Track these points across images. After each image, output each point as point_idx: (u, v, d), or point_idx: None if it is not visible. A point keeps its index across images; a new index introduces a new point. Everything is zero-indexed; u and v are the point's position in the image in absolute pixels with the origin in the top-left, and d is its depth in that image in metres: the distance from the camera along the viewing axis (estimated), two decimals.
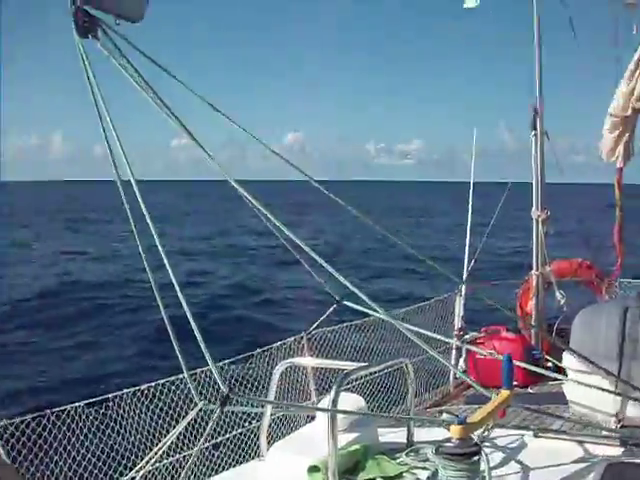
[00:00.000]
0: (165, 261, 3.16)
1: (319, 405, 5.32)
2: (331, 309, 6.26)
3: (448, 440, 4.01)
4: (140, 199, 3.20)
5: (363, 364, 5.89)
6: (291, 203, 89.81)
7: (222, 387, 3.14)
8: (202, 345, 3.15)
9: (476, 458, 3.93)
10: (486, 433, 5.14)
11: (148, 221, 3.21)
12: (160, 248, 3.16)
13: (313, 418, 6.96)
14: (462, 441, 3.91)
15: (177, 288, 3.18)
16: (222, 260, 39.19)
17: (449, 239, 43.22)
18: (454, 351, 10.41)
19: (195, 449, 4.99)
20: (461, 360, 10.30)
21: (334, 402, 4.34)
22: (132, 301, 25.10)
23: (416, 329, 5.07)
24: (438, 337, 5.64)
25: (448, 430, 4.14)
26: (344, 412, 4.72)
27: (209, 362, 3.14)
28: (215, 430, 6.53)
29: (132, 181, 3.21)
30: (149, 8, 3.40)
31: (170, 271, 3.15)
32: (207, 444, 5.12)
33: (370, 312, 5.16)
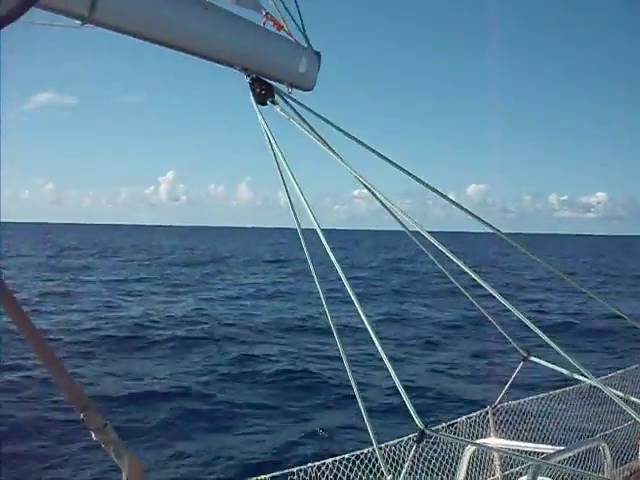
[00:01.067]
0: (362, 317, 3.08)
1: None
2: (519, 367, 5.87)
3: None
4: (327, 246, 3.20)
5: (557, 448, 5.42)
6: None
7: (418, 423, 3.05)
8: (395, 378, 3.02)
9: None
10: None
11: (337, 267, 3.20)
12: (353, 295, 3.11)
13: None
14: None
15: (377, 344, 3.06)
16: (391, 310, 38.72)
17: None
18: None
19: None
20: None
21: None
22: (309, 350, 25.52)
23: (624, 395, 4.55)
24: None
25: None
26: None
27: (403, 396, 3.03)
28: None
29: (317, 230, 3.22)
30: (320, 76, 3.49)
31: (369, 327, 3.05)
32: None
33: (561, 370, 4.78)
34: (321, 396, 19.39)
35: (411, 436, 5.43)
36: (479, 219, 3.94)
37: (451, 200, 3.91)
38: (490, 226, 4.01)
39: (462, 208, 3.92)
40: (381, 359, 3.11)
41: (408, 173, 3.74)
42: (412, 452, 3.26)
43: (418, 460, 6.51)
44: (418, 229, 3.65)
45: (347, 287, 3.17)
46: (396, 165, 3.69)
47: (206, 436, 15.80)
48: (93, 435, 2.25)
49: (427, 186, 3.83)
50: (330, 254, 3.22)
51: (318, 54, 3.45)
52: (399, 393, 3.04)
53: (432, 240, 3.58)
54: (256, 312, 35.89)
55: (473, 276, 3.68)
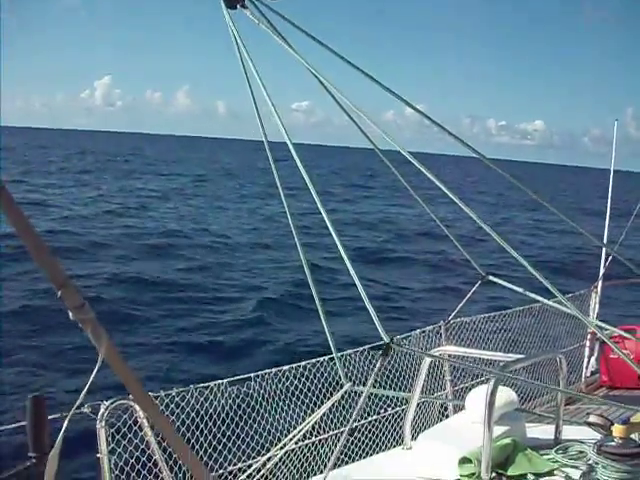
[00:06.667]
0: (331, 230, 3.09)
1: (471, 394, 5.09)
2: (476, 286, 5.99)
3: (595, 439, 3.95)
4: (297, 159, 3.20)
5: (518, 356, 5.61)
6: None
7: (384, 337, 3.04)
8: (362, 292, 3.07)
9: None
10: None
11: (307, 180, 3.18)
12: (324, 212, 3.13)
13: (446, 409, 6.69)
14: (625, 441, 3.79)
15: (345, 259, 3.08)
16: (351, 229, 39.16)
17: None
18: (587, 349, 10.15)
19: (346, 428, 4.89)
20: (593, 359, 10.07)
21: (492, 393, 4.16)
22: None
23: (577, 313, 4.62)
24: (603, 325, 5.25)
25: (597, 431, 4.11)
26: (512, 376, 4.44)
27: (370, 310, 3.03)
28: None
29: (288, 142, 3.20)
30: None
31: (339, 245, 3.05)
32: (348, 427, 4.93)
33: (517, 289, 4.86)
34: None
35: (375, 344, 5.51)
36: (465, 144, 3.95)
37: (432, 120, 3.89)
38: (476, 152, 3.98)
39: (450, 133, 3.89)
40: (348, 273, 3.11)
41: (383, 86, 3.64)
42: (378, 365, 3.30)
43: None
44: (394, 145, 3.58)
45: (317, 201, 3.17)
46: (370, 77, 3.57)
47: None
48: (70, 314, 2.22)
49: (408, 104, 3.80)
50: (301, 168, 3.17)
51: None
52: (365, 307, 3.04)
53: (409, 157, 3.53)
54: None
55: (438, 185, 3.69)
